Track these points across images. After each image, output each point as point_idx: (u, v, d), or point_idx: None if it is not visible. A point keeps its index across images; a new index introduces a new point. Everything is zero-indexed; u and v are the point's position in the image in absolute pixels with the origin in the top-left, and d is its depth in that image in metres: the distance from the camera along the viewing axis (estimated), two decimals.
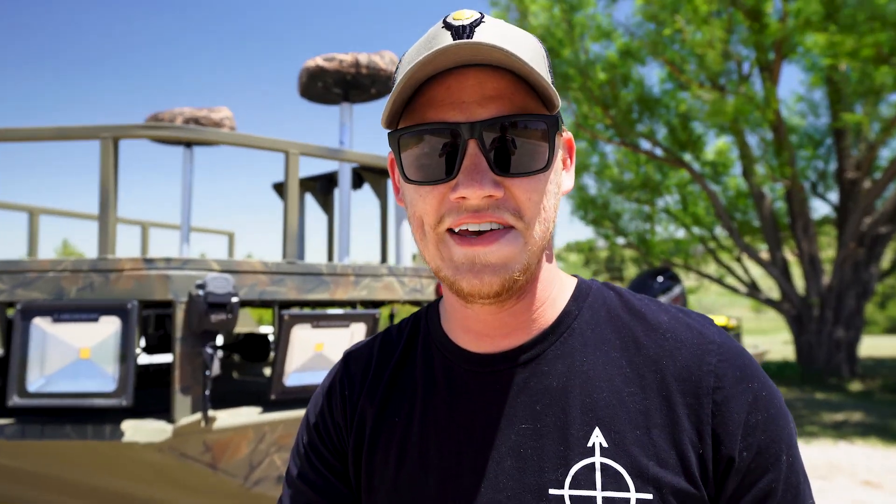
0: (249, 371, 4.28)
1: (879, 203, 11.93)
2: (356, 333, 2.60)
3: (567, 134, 0.74)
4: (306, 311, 2.57)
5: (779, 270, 12.13)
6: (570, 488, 0.65)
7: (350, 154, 2.92)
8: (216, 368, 2.30)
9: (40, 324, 2.15)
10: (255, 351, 3.96)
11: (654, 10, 10.70)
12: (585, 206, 14.82)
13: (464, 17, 0.64)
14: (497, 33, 0.64)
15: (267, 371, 4.26)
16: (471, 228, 0.64)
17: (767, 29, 10.32)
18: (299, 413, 2.50)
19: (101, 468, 2.33)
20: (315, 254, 5.10)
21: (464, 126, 0.63)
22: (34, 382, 2.13)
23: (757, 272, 14.13)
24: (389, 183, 4.14)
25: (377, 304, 3.15)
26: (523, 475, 0.67)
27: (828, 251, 14.31)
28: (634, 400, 0.67)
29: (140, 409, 2.36)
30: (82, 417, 2.23)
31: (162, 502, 2.58)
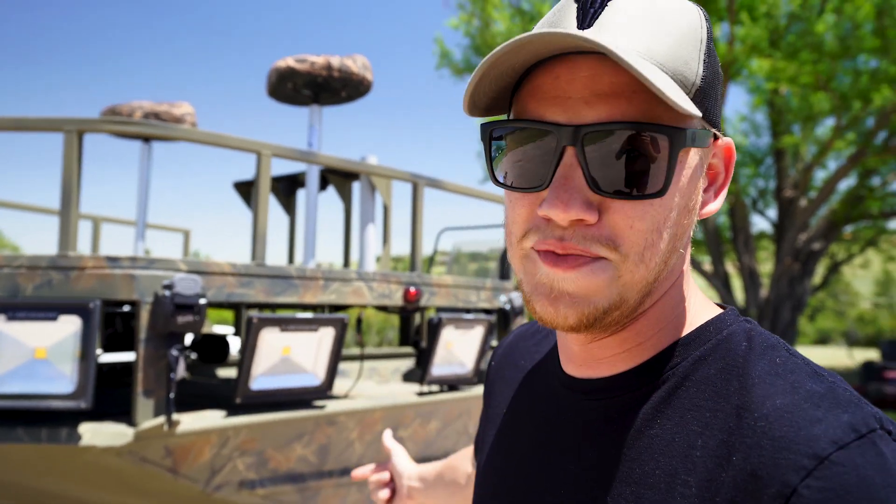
0: (203, 372, 4.16)
1: (814, 221, 12.50)
2: (324, 337, 2.56)
3: (724, 141, 0.59)
4: (275, 313, 2.52)
5: (721, 282, 12.55)
6: None
7: (321, 157, 2.88)
8: (181, 371, 2.23)
9: None
10: (212, 352, 3.86)
11: None
12: None
13: None
14: (635, 9, 0.52)
15: (222, 372, 4.15)
16: (556, 252, 0.54)
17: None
18: (264, 417, 2.45)
19: (57, 473, 2.23)
20: (274, 255, 4.98)
21: (563, 129, 0.52)
22: None
23: (701, 283, 14.56)
24: (355, 186, 4.11)
25: (346, 307, 3.12)
26: (542, 497, 0.64)
27: (766, 265, 14.86)
28: (684, 494, 0.52)
29: (98, 412, 2.27)
30: (37, 420, 2.13)
31: None
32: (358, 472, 1.14)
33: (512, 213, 0.57)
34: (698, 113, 0.50)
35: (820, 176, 13.71)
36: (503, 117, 0.61)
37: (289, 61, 3.37)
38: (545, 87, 0.54)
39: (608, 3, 0.52)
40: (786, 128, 12.53)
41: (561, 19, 0.55)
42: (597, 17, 0.52)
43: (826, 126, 12.16)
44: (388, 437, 1.18)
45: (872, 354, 19.61)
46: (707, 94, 0.55)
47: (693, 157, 0.55)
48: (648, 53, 0.51)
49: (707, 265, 13.42)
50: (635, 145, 0.51)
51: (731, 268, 13.49)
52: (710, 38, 0.56)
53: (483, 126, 0.58)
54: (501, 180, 0.58)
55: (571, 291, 0.54)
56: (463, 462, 1.03)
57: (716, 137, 0.58)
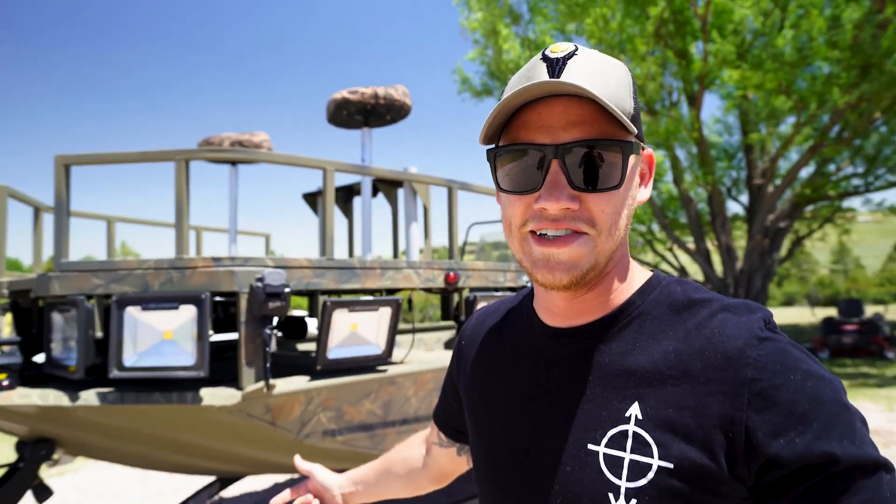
0: (286, 347, 4.27)
1: (779, 204, 12.15)
2: (383, 315, 2.61)
3: (647, 151, 0.70)
4: (344, 297, 2.58)
5: (702, 258, 12.31)
6: (605, 447, 0.64)
7: (374, 170, 2.92)
8: (273, 346, 2.30)
9: (132, 311, 2.13)
10: (293, 330, 3.96)
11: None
12: None
13: (559, 50, 0.63)
14: (586, 67, 0.62)
15: (301, 346, 4.25)
16: (549, 234, 0.64)
17: (692, 65, 10.42)
18: (341, 380, 2.51)
19: (184, 427, 2.33)
20: (336, 251, 5.08)
21: (549, 147, 0.62)
22: (129, 359, 2.12)
23: (685, 259, 14.32)
24: (400, 192, 4.15)
25: (398, 290, 3.17)
26: (571, 429, 0.67)
27: (740, 242, 14.51)
28: (673, 383, 0.63)
29: (213, 380, 2.36)
30: (168, 386, 2.22)
31: (230, 452, 2.58)
32: (275, 501, 0.99)
33: (511, 210, 0.67)
34: (634, 129, 0.62)
35: (784, 166, 13.32)
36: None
37: (343, 93, 3.42)
38: (531, 120, 0.64)
39: (567, 63, 0.62)
40: (753, 127, 12.18)
41: (535, 74, 0.64)
42: (561, 72, 0.62)
43: (788, 124, 11.78)
44: (298, 461, 1.08)
45: (831, 312, 19.03)
46: (636, 120, 0.66)
47: (633, 162, 0.66)
48: (601, 93, 0.60)
49: (690, 244, 13.16)
50: (599, 154, 0.62)
51: (710, 246, 13.22)
52: (635, 83, 0.68)
53: (489, 150, 0.68)
54: (503, 188, 0.67)
55: (564, 261, 0.64)
56: (413, 449, 1.02)
57: (642, 149, 0.69)
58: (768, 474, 0.58)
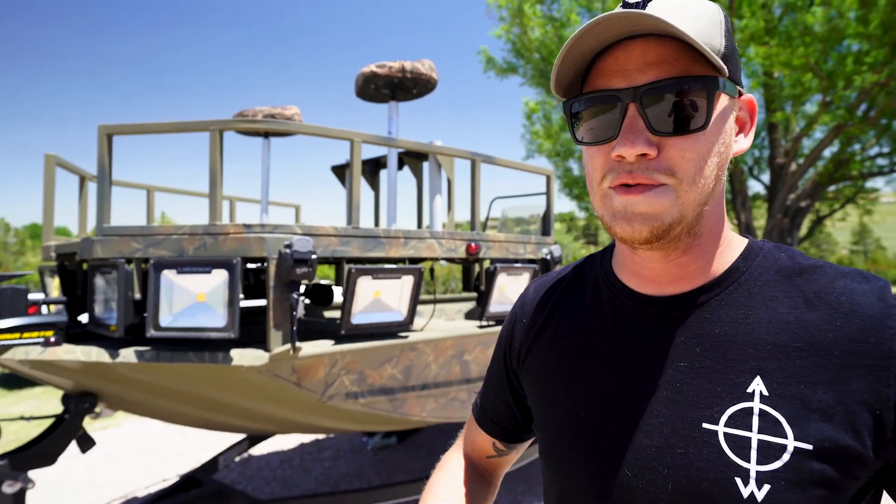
0: (314, 314, 4.31)
1: (801, 183, 11.74)
2: (406, 283, 2.60)
3: (747, 96, 0.62)
4: (367, 265, 2.56)
5: None
6: (725, 426, 0.55)
7: (401, 142, 2.87)
8: (301, 311, 2.30)
9: (168, 275, 2.15)
10: (320, 297, 3.98)
11: None
12: (570, 184, 14.64)
13: None
14: (668, 4, 0.54)
15: (327, 314, 4.29)
16: (628, 182, 0.56)
17: None
18: (364, 345, 2.52)
19: (215, 385, 2.36)
20: (362, 222, 5.06)
21: (625, 91, 0.55)
22: (165, 319, 2.15)
23: None
24: (425, 165, 4.09)
25: (421, 260, 3.14)
26: (677, 406, 0.58)
27: (760, 221, 14.12)
28: (801, 356, 0.55)
29: (243, 341, 2.38)
30: (201, 346, 2.25)
31: (258, 411, 2.63)
32: None
33: (592, 164, 0.60)
34: (725, 69, 0.55)
35: (807, 144, 12.82)
36: None
37: (371, 67, 3.35)
38: (608, 66, 0.57)
39: (649, 3, 0.55)
40: (778, 105, 11.71)
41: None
42: (645, 7, 0.54)
43: (813, 102, 11.29)
44: None
45: None
46: (729, 59, 0.57)
47: (724, 102, 0.58)
48: (687, 28, 0.53)
49: None
50: (680, 94, 0.54)
51: (730, 224, 12.91)
52: (728, 22, 0.59)
53: (564, 103, 0.61)
54: (582, 140, 0.60)
55: (643, 211, 0.56)
56: (460, 476, 0.83)
57: (740, 94, 0.60)
58: None
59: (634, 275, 0.65)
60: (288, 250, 2.25)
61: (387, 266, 2.54)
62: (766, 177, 13.63)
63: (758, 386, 0.55)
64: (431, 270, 3.08)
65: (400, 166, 4.00)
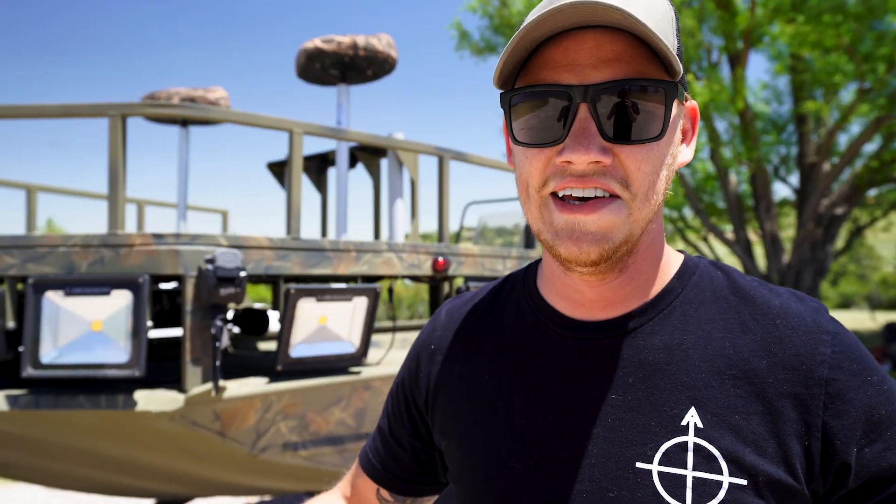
0: (245, 345, 4.26)
1: (836, 186, 12.18)
2: (358, 307, 2.60)
3: (691, 103, 0.67)
4: (311, 284, 2.55)
5: (742, 249, 12.35)
6: (658, 464, 0.61)
7: (351, 133, 2.89)
8: (226, 340, 2.28)
9: (52, 297, 2.11)
10: (253, 324, 3.94)
11: None
12: None
13: None
14: None
15: (262, 345, 4.24)
16: (574, 194, 0.61)
17: (736, 18, 10.37)
18: (304, 383, 2.50)
19: (113, 437, 2.31)
20: (307, 232, 5.03)
21: (576, 88, 0.59)
22: (47, 354, 2.10)
23: (722, 251, 14.37)
24: (383, 162, 4.12)
25: (377, 278, 3.15)
26: (610, 445, 0.64)
27: (788, 231, 14.57)
28: (736, 384, 0.62)
29: (150, 381, 2.34)
30: (95, 388, 2.21)
31: (171, 470, 2.57)
32: None
33: (529, 168, 0.63)
34: (681, 72, 0.60)
35: (843, 140, 13.32)
36: None
37: (316, 42, 3.37)
38: (556, 57, 0.60)
39: None
40: (808, 94, 12.17)
41: (558, 3, 0.59)
42: None
43: (849, 90, 11.77)
44: None
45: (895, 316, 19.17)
46: (681, 61, 0.63)
47: (677, 110, 0.63)
48: (648, 25, 0.57)
49: (729, 233, 13.20)
50: (638, 98, 0.59)
51: (753, 235, 13.26)
52: (678, 20, 0.65)
53: (503, 94, 0.64)
54: (520, 139, 0.64)
55: (593, 231, 0.60)
56: None
57: (686, 99, 0.66)
58: (839, 489, 0.60)
59: (564, 297, 0.70)
60: (210, 266, 2.23)
61: (335, 286, 2.54)
62: (794, 178, 14.10)
63: (692, 418, 0.62)
64: (390, 291, 3.09)
65: (352, 164, 4.01)
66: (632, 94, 0.59)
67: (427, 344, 0.82)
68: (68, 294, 2.11)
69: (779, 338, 0.63)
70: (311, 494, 4.78)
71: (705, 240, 14.51)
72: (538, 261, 0.78)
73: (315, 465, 2.59)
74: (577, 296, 0.69)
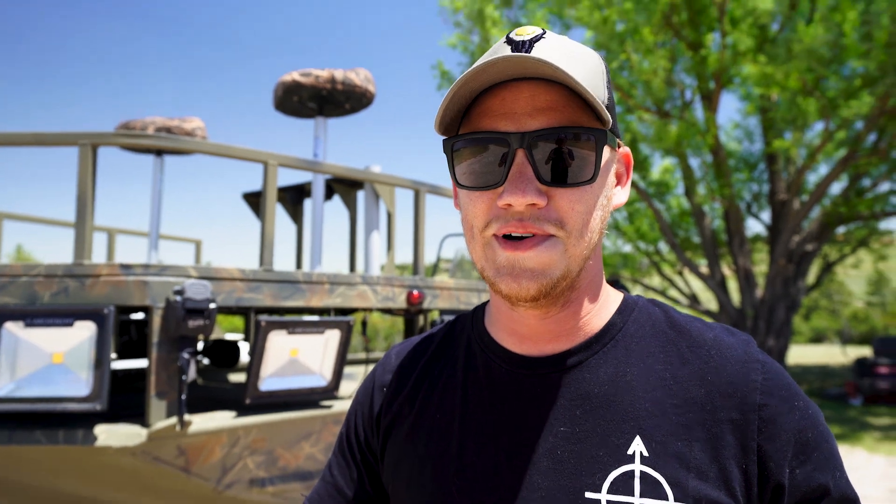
0: (215, 378, 4.17)
1: (806, 223, 12.44)
2: (330, 340, 2.57)
3: (624, 149, 0.73)
4: (282, 317, 2.52)
5: (717, 284, 12.50)
6: (607, 493, 0.64)
7: (327, 166, 2.89)
8: (192, 374, 2.23)
9: (12, 328, 2.05)
10: (224, 357, 3.87)
11: (604, 40, 10.96)
12: None
13: (525, 33, 0.65)
14: (555, 49, 0.63)
15: (232, 377, 4.16)
16: (514, 234, 0.64)
17: (708, 60, 10.68)
18: (273, 417, 2.45)
19: (72, 474, 2.23)
20: (282, 262, 4.99)
21: (513, 136, 0.63)
22: (3, 387, 2.03)
23: (697, 285, 14.53)
24: (360, 195, 4.12)
25: (351, 311, 3.12)
26: (559, 477, 0.66)
27: (761, 266, 14.80)
28: (678, 412, 0.66)
29: (113, 415, 2.28)
30: (54, 422, 2.14)
31: None
32: None
33: (473, 210, 0.67)
34: (610, 120, 0.64)
35: (812, 179, 13.67)
36: None
37: (294, 75, 3.39)
38: (494, 107, 0.65)
39: (535, 45, 0.63)
40: (777, 133, 12.51)
41: (497, 53, 0.64)
42: (530, 51, 0.63)
43: (816, 131, 12.13)
44: None
45: (866, 351, 19.49)
46: (611, 110, 0.67)
47: (607, 155, 0.68)
48: (574, 75, 0.61)
49: (703, 267, 13.37)
50: (571, 144, 0.63)
51: (727, 270, 13.44)
52: (609, 73, 0.70)
53: (446, 141, 0.69)
54: (463, 183, 0.68)
55: (532, 267, 0.64)
56: None
57: (619, 145, 0.71)
58: (781, 499, 0.64)
59: (512, 333, 0.73)
60: (178, 298, 2.20)
61: (307, 318, 2.51)
62: (766, 215, 14.40)
63: (638, 447, 0.65)
64: (364, 323, 3.06)
65: (329, 195, 4.01)
66: (565, 141, 0.63)
67: (378, 385, 0.83)
68: (29, 325, 2.05)
69: (714, 367, 0.67)
70: None
71: (680, 274, 14.67)
72: (486, 302, 0.82)
73: (283, 502, 2.52)
74: (525, 329, 0.72)
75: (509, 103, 0.64)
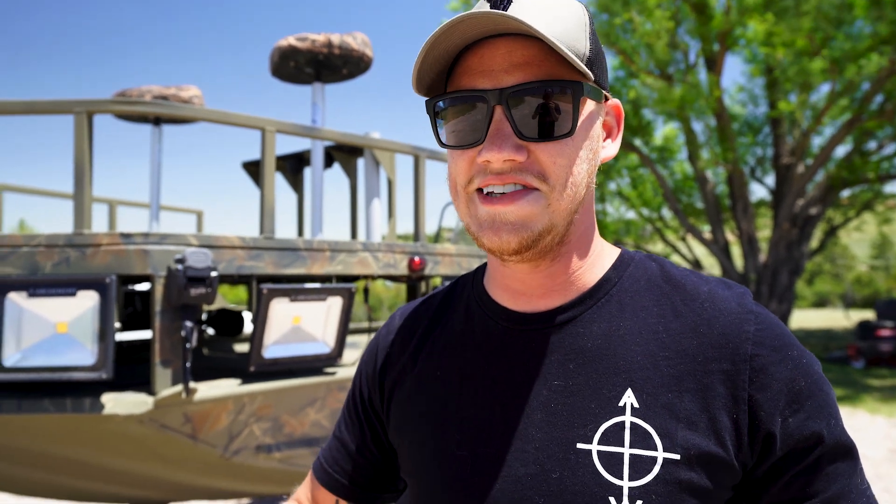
0: (220, 347, 4.20)
1: (811, 187, 12.37)
2: (332, 307, 2.57)
3: (614, 101, 0.73)
4: (284, 284, 2.52)
5: (720, 249, 12.49)
6: (598, 444, 0.65)
7: (325, 132, 2.86)
8: (195, 341, 2.24)
9: (15, 298, 2.05)
10: (228, 326, 3.89)
11: (607, 2, 10.77)
12: None
13: None
14: (533, 4, 0.64)
15: (237, 347, 4.19)
16: (496, 190, 0.66)
17: (712, 20, 10.50)
18: (277, 384, 2.47)
19: (81, 442, 2.26)
20: (284, 232, 4.98)
21: (490, 93, 0.64)
22: (10, 357, 2.05)
23: (700, 251, 14.53)
24: (359, 162, 4.09)
25: (352, 278, 3.12)
26: (552, 429, 0.68)
27: (764, 231, 14.77)
28: (669, 364, 0.67)
29: (119, 383, 2.30)
30: (62, 391, 2.16)
31: (141, 475, 2.52)
32: None
33: (455, 168, 0.69)
34: (590, 74, 0.65)
35: (817, 142, 13.55)
36: None
37: (290, 40, 3.34)
38: (473, 65, 0.66)
39: (513, 0, 0.64)
40: (782, 95, 12.35)
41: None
42: (507, 7, 0.64)
43: (822, 93, 11.97)
44: None
45: (870, 315, 19.55)
46: (595, 63, 0.68)
47: (591, 107, 0.68)
48: (549, 31, 0.62)
49: (707, 233, 13.35)
50: (547, 98, 0.64)
51: (730, 235, 13.43)
52: (593, 23, 0.70)
53: (427, 101, 0.70)
54: (446, 142, 0.69)
55: (512, 220, 0.65)
56: None
57: (606, 99, 0.72)
58: (766, 459, 0.65)
59: (506, 289, 0.75)
60: (179, 266, 2.20)
61: (309, 286, 2.51)
62: (770, 179, 14.28)
63: (629, 399, 0.66)
64: (366, 290, 3.06)
65: (329, 163, 3.98)
66: (542, 95, 0.64)
67: (382, 346, 0.86)
68: (32, 295, 2.06)
69: (707, 319, 0.68)
70: (285, 497, 4.74)
71: (683, 240, 14.66)
72: (485, 263, 0.83)
73: (290, 468, 2.56)
74: (517, 284, 0.73)
75: (487, 60, 0.65)
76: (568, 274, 0.72)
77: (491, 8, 0.63)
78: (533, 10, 0.63)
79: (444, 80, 0.70)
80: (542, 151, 0.65)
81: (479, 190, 0.67)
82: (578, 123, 0.66)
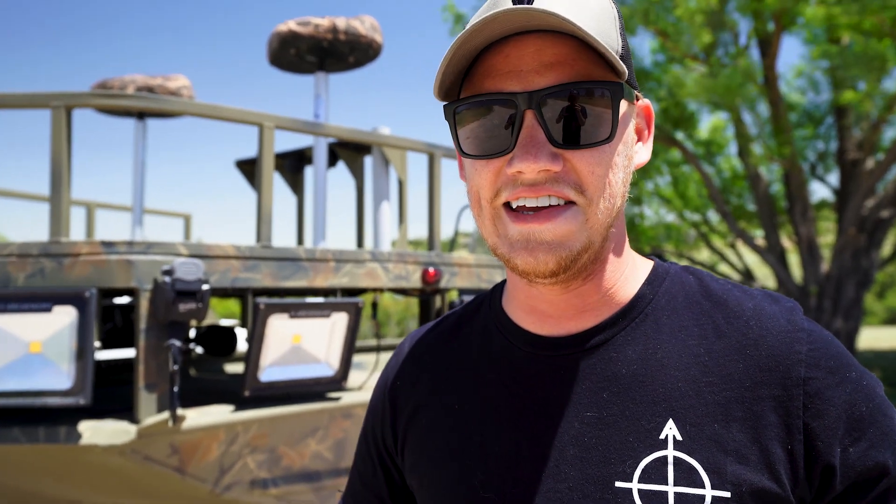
0: (211, 368, 4.23)
1: (882, 186, 12.23)
2: (337, 324, 2.58)
3: (643, 101, 0.74)
4: (283, 299, 2.54)
5: (775, 257, 12.37)
6: (639, 482, 0.65)
7: (329, 128, 2.89)
8: (178, 363, 2.26)
9: None
10: (219, 344, 3.92)
11: None
12: None
13: None
14: None
15: (229, 368, 4.22)
16: (528, 204, 0.66)
17: None
18: (275, 411, 2.48)
19: (54, 475, 2.29)
20: (282, 239, 5.01)
21: (520, 96, 0.64)
22: None
23: (752, 259, 14.40)
24: (367, 160, 4.11)
25: (359, 291, 3.13)
26: (586, 465, 0.67)
27: (827, 237, 14.62)
28: (713, 391, 0.66)
29: (98, 409, 2.32)
30: (34, 418, 2.18)
31: None
32: None
33: (479, 180, 0.69)
34: (626, 72, 0.64)
35: (889, 135, 13.39)
36: None
37: (291, 25, 3.37)
38: (497, 65, 0.66)
39: None
40: (848, 82, 12.23)
41: (499, 5, 0.64)
42: (532, 1, 0.63)
43: (894, 78, 11.84)
44: None
45: None
46: (626, 60, 0.68)
47: (626, 110, 0.69)
48: (584, 25, 0.62)
49: (759, 239, 13.24)
50: (584, 101, 0.64)
51: (787, 241, 13.29)
52: (621, 18, 0.71)
53: (446, 106, 0.70)
54: (467, 152, 0.69)
55: (549, 240, 0.65)
56: None
57: (637, 99, 0.72)
58: (825, 493, 0.64)
59: (531, 311, 0.75)
60: (167, 279, 2.22)
61: (310, 300, 2.52)
62: (834, 177, 14.14)
63: (671, 430, 0.66)
64: (374, 305, 3.07)
65: (332, 162, 4.01)
66: (577, 98, 0.64)
67: (393, 380, 0.86)
68: (2, 311, 2.09)
69: (754, 340, 0.68)
70: None
71: (732, 246, 14.53)
72: (504, 281, 0.84)
73: None
74: (545, 306, 0.74)
75: (514, 60, 0.65)
76: (601, 293, 0.72)
77: (514, 3, 0.63)
78: (561, 4, 0.63)
79: (460, 82, 0.70)
80: (578, 160, 0.65)
81: (507, 204, 0.67)
82: (618, 127, 0.66)
